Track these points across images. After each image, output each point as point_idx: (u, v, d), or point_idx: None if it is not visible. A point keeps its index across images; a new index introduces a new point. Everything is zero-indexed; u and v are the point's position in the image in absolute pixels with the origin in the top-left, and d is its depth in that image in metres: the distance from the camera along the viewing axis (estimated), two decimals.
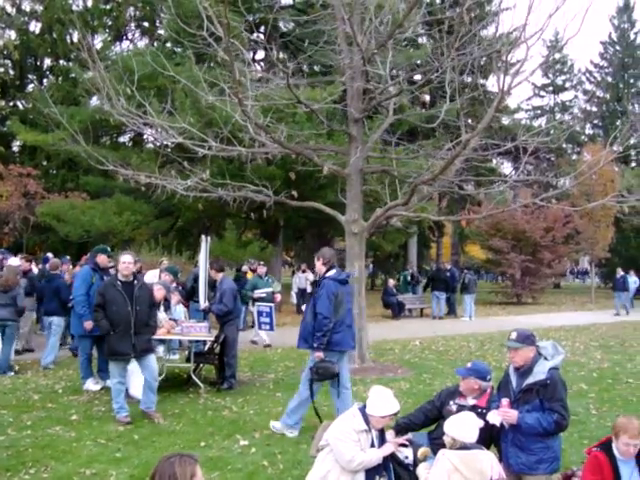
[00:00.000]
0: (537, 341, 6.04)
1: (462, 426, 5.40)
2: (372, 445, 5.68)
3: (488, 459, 5.32)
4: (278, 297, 16.84)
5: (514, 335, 5.92)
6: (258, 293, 16.21)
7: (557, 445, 5.95)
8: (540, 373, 5.76)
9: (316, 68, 24.99)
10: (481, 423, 5.59)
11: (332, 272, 8.72)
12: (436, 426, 6.49)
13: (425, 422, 6.53)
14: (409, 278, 30.31)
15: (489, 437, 6.22)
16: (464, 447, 5.28)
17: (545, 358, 5.90)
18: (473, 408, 6.25)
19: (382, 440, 5.82)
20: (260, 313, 15.69)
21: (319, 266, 8.89)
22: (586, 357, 15.40)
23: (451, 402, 6.45)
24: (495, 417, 5.82)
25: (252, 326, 17.51)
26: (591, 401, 10.66)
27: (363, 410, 5.74)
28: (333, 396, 8.78)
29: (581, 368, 13.82)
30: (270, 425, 8.58)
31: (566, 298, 35.92)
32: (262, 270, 17.12)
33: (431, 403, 6.67)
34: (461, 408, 6.30)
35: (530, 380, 5.81)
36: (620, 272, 29.34)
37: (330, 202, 16.53)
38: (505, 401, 5.82)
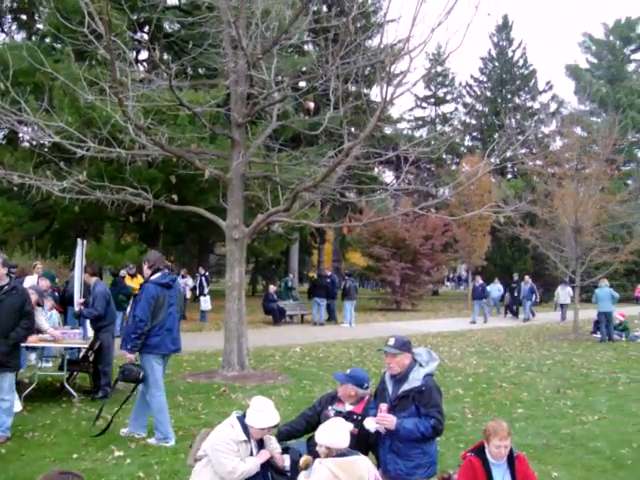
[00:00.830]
0: (412, 348, 6.12)
1: (334, 434, 5.35)
2: (251, 455, 5.61)
3: (365, 464, 5.32)
4: None
5: (392, 341, 5.97)
6: None
7: (434, 450, 6.04)
8: (415, 380, 5.82)
9: (200, 71, 24.69)
10: (351, 427, 5.59)
11: (156, 275, 8.58)
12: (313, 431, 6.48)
13: (307, 428, 6.48)
14: (290, 284, 30.40)
15: (366, 444, 6.25)
16: (341, 454, 5.26)
17: (420, 365, 5.97)
18: (349, 414, 6.25)
19: (260, 450, 5.73)
20: None
21: (145, 269, 8.77)
22: (462, 362, 15.76)
23: (329, 407, 6.43)
24: (372, 424, 5.81)
25: None
26: (467, 405, 10.90)
27: (242, 420, 5.63)
28: (138, 398, 8.62)
29: (458, 373, 14.13)
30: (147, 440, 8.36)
31: (444, 305, 36.87)
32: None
33: (312, 409, 6.62)
34: (338, 414, 6.28)
35: (406, 387, 5.86)
36: (479, 280, 29.66)
37: (211, 207, 16.33)
38: (384, 406, 5.82)
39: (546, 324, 27.62)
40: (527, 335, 22.75)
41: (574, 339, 21.74)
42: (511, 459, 5.55)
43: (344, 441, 5.34)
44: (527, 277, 31.26)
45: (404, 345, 5.96)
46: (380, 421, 5.73)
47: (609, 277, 24.00)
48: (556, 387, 12.77)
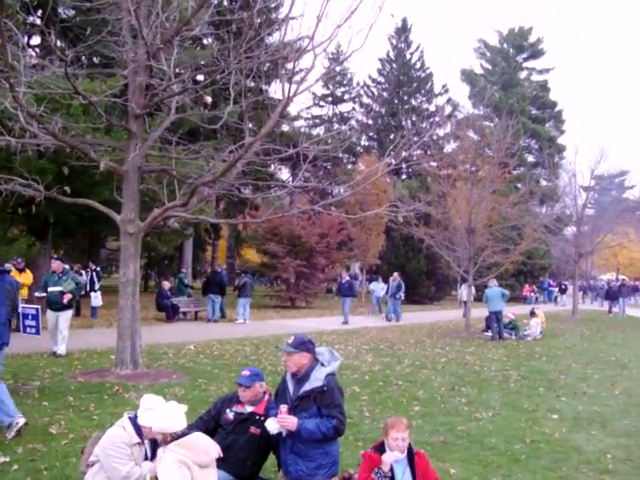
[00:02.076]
0: (316, 347, 6.04)
1: (168, 418, 5.18)
2: (146, 457, 5.40)
3: (206, 438, 5.28)
4: (67, 297, 15.30)
5: (290, 340, 5.92)
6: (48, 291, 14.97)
7: (335, 450, 6.00)
8: (317, 380, 5.77)
9: (96, 60, 24.02)
10: (185, 408, 5.45)
11: None
12: (213, 435, 6.30)
13: (206, 432, 6.31)
14: (186, 281, 29.95)
15: (267, 444, 6.16)
16: (179, 436, 5.12)
17: (322, 364, 5.92)
18: (251, 415, 6.17)
19: (155, 452, 5.46)
20: (25, 316, 14.52)
21: None
22: (358, 360, 15.85)
23: (228, 410, 6.29)
24: (273, 425, 5.73)
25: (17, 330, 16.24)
26: (364, 404, 10.91)
27: (134, 420, 5.41)
28: None
29: (354, 371, 14.16)
30: None
31: (338, 303, 37.00)
32: (55, 266, 15.49)
33: (208, 413, 6.48)
34: (238, 416, 6.20)
35: (307, 387, 5.80)
36: (346, 277, 29.10)
37: (105, 200, 15.80)
38: (284, 408, 5.75)
39: (438, 322, 28.18)
40: (421, 333, 23.09)
41: (466, 337, 22.23)
42: (411, 456, 5.59)
43: (178, 423, 5.20)
44: (395, 274, 30.43)
45: (303, 344, 5.90)
46: (281, 422, 5.65)
47: (499, 277, 24.65)
48: (451, 385, 12.97)
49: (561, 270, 49.53)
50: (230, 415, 6.24)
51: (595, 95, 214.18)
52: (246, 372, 6.33)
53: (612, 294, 39.58)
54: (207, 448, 5.13)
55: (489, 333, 22.49)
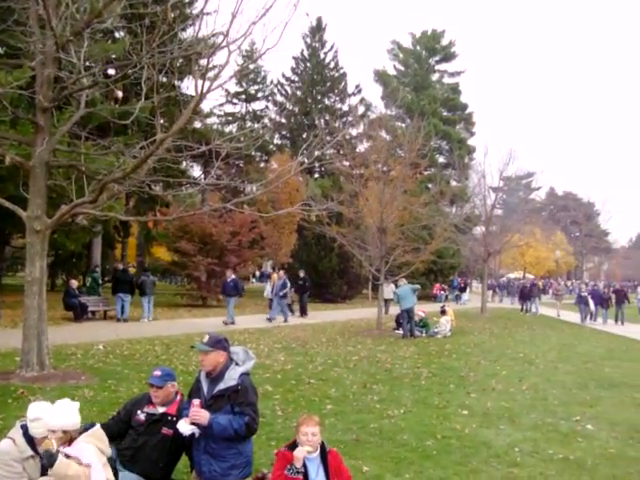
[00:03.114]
0: (230, 346, 5.99)
1: (66, 415, 5.06)
2: (43, 472, 5.11)
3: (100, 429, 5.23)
4: None
5: (205, 338, 5.86)
6: None
7: (249, 450, 5.98)
8: (231, 379, 5.74)
9: (1, 50, 23.22)
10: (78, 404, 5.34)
11: None
12: (123, 438, 6.16)
13: (119, 434, 6.16)
14: (99, 279, 29.27)
15: (180, 445, 6.07)
16: (83, 430, 5.00)
17: (237, 363, 5.90)
18: (163, 416, 6.09)
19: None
20: None
21: None
22: (270, 359, 15.81)
23: (139, 411, 6.17)
24: (185, 426, 5.66)
25: None
26: (277, 403, 10.90)
27: (26, 430, 5.15)
28: None
29: (266, 370, 14.12)
30: None
31: (249, 301, 36.79)
32: None
33: (117, 415, 6.38)
34: (150, 416, 6.11)
35: (222, 386, 5.75)
36: (231, 276, 26.38)
37: (11, 196, 15.27)
38: (196, 402, 5.68)
39: (350, 320, 28.35)
40: (333, 332, 23.18)
41: (378, 335, 22.41)
42: (324, 454, 5.62)
43: (77, 419, 5.11)
44: (281, 272, 29.74)
45: (218, 342, 5.87)
46: (193, 416, 5.58)
47: (410, 276, 24.96)
48: (363, 382, 13.08)
49: (470, 269, 50.49)
50: (141, 416, 6.14)
51: (504, 98, 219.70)
52: (157, 372, 6.23)
53: (525, 293, 40.27)
54: (105, 438, 5.13)
55: (400, 331, 22.77)
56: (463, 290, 48.80)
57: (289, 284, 28.66)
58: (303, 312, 30.14)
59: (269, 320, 26.76)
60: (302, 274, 31.34)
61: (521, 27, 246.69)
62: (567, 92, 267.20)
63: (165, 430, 6.02)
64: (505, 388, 13.04)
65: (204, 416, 5.55)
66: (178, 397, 6.30)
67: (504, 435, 9.27)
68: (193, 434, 5.69)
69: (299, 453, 5.41)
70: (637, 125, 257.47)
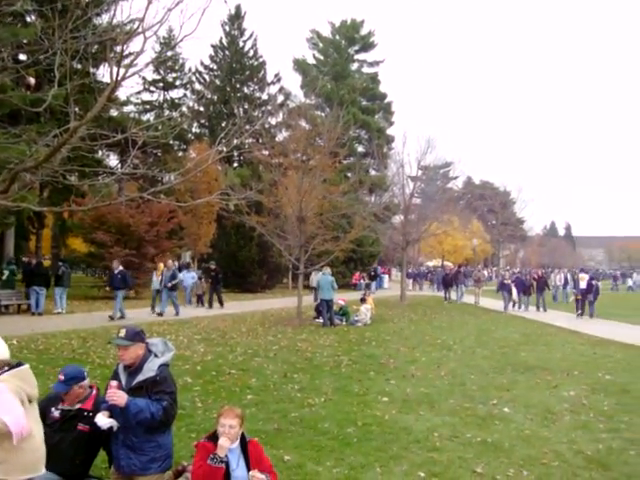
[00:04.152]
0: (147, 338, 5.90)
1: None
2: None
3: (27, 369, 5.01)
4: None
5: (123, 333, 5.75)
6: None
7: (169, 443, 5.91)
8: (150, 370, 5.67)
9: None
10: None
11: None
12: None
13: None
14: (15, 272, 28.40)
15: (97, 441, 5.95)
16: (11, 366, 4.84)
17: (155, 355, 5.83)
18: (79, 412, 5.97)
19: None
20: None
21: None
22: (190, 350, 15.68)
23: (53, 408, 6.02)
24: (103, 419, 5.57)
25: None
26: (196, 394, 10.81)
27: None
28: None
29: (186, 361, 13.99)
30: None
31: (181, 293, 36.37)
32: None
33: None
34: (65, 413, 5.99)
35: (140, 378, 5.68)
36: (119, 267, 24.49)
37: None
38: (114, 383, 5.60)
39: (271, 310, 28.28)
40: (253, 321, 23.12)
41: (298, 324, 22.43)
42: (244, 445, 5.60)
43: (5, 350, 4.92)
44: (170, 262, 27.56)
45: (136, 335, 5.78)
46: (110, 397, 5.46)
47: (330, 264, 25.03)
48: (283, 372, 13.07)
49: (390, 257, 51.00)
50: (56, 413, 6.00)
51: (422, 89, 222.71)
52: (61, 376, 6.05)
53: (448, 281, 40.05)
54: (34, 382, 4.89)
55: (320, 320, 22.86)
56: (373, 279, 48.38)
57: (178, 275, 27.63)
58: (220, 303, 29.46)
59: (159, 315, 25.01)
60: (213, 265, 30.69)
61: (439, 18, 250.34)
62: (484, 83, 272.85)
63: (81, 426, 5.89)
64: (424, 374, 13.22)
65: (121, 396, 5.44)
66: (94, 392, 6.18)
67: (424, 420, 9.40)
68: (111, 427, 5.58)
69: (224, 442, 5.36)
70: (551, 115, 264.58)
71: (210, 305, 29.16)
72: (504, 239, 65.25)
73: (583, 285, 29.35)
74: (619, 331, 22.17)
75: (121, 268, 24.55)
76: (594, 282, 29.78)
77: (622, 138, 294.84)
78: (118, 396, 5.44)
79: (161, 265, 27.53)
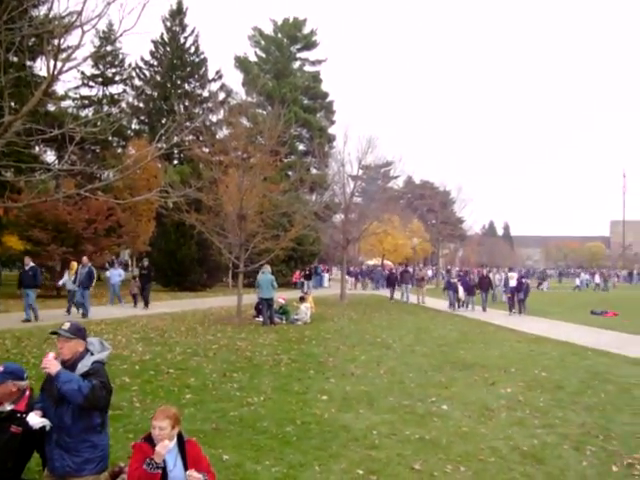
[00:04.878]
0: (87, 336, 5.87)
1: None
2: None
3: None
4: None
5: (67, 326, 5.74)
6: None
7: (104, 443, 5.83)
8: (84, 367, 5.60)
9: None
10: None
11: None
12: None
13: None
14: None
15: (30, 443, 5.84)
16: None
17: (92, 354, 5.77)
18: (12, 413, 5.85)
19: None
20: None
21: None
22: (128, 350, 15.49)
23: None
24: (35, 419, 5.50)
25: None
26: (134, 394, 10.70)
27: None
28: None
29: (124, 361, 13.83)
30: None
31: (107, 291, 35.90)
32: None
33: None
34: None
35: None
36: (29, 263, 22.61)
37: None
38: (51, 354, 5.53)
39: (211, 308, 28.06)
40: (193, 320, 22.91)
41: (238, 323, 22.32)
42: (182, 445, 5.56)
43: None
44: (85, 258, 25.74)
45: (79, 331, 5.76)
46: (44, 365, 5.40)
47: (270, 263, 24.99)
48: (222, 371, 13.02)
49: (330, 256, 51.06)
50: None
51: (363, 88, 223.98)
52: (0, 368, 5.93)
53: (393, 280, 39.82)
54: None
55: (260, 318, 22.80)
56: (309, 277, 47.08)
57: (95, 272, 25.92)
58: (145, 303, 28.34)
59: (84, 316, 23.07)
60: (146, 263, 30.15)
61: (380, 17, 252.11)
62: (424, 83, 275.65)
63: (14, 428, 5.77)
64: (364, 372, 13.29)
65: (54, 364, 5.38)
66: (27, 393, 6.06)
67: (363, 418, 9.46)
68: (43, 427, 5.48)
69: (161, 449, 5.29)
70: (489, 116, 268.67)
71: (146, 304, 28.33)
72: (444, 238, 65.77)
73: (513, 284, 30.17)
74: (555, 329, 22.62)
75: (32, 264, 22.72)
76: (524, 280, 30.65)
77: (558, 140, 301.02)
78: (51, 364, 5.38)
79: (74, 264, 26.02)
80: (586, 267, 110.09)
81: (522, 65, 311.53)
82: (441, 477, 7.13)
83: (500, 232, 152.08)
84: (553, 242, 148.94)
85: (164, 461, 5.34)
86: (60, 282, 27.82)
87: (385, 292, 42.20)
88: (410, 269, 45.59)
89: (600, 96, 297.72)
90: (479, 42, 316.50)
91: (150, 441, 5.44)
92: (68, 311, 24.71)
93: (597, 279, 65.11)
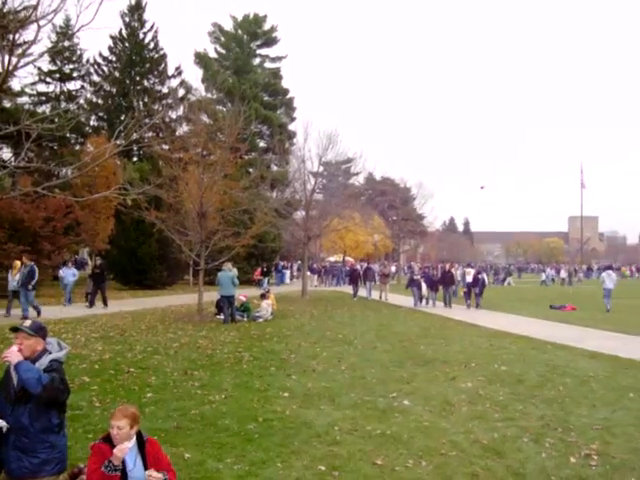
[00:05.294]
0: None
1: None
2: None
3: None
4: None
5: (28, 323, 5.69)
6: None
7: (63, 445, 5.74)
8: (41, 365, 5.49)
9: None
10: None
11: None
12: None
13: None
14: None
15: None
16: None
17: (50, 353, 5.69)
18: None
19: None
20: None
21: None
22: (87, 349, 15.32)
23: None
24: None
25: None
26: (94, 394, 10.59)
27: None
28: None
29: (83, 360, 13.67)
30: None
31: (64, 290, 35.50)
32: None
33: None
34: None
35: None
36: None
37: None
38: (15, 347, 5.44)
39: (171, 306, 27.87)
40: (153, 319, 22.73)
41: (199, 321, 22.24)
42: (141, 444, 5.52)
43: None
44: (24, 257, 24.48)
45: (40, 330, 5.69)
46: (5, 355, 5.33)
47: (231, 260, 24.91)
48: (183, 369, 12.97)
49: (292, 253, 51.02)
50: None
51: (323, 85, 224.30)
52: None
53: (356, 277, 38.90)
54: None
55: (221, 316, 22.72)
56: (266, 274, 45.95)
57: (37, 272, 24.22)
58: (91, 303, 27.51)
59: (24, 318, 19.96)
60: (99, 261, 29.70)
61: (340, 14, 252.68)
62: (383, 80, 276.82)
63: None
64: (325, 369, 13.33)
65: (16, 354, 5.32)
66: None
67: (324, 415, 9.48)
68: (0, 429, 5.37)
69: (119, 452, 5.24)
70: (450, 112, 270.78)
71: (105, 303, 27.52)
72: (405, 234, 66.03)
73: (469, 279, 30.84)
74: (515, 323, 22.92)
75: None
76: (480, 276, 31.28)
77: (517, 136, 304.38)
78: (13, 354, 5.33)
79: (17, 262, 24.65)
80: (545, 262, 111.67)
81: (480, 59, 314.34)
82: (403, 472, 7.17)
83: (460, 228, 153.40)
84: (513, 238, 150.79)
85: (123, 461, 5.29)
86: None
87: (346, 289, 42.22)
88: (373, 266, 45.32)
89: (559, 92, 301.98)
90: (433, 38, 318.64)
91: (109, 441, 5.38)
92: (8, 311, 23.33)
93: (563, 274, 66.01)
